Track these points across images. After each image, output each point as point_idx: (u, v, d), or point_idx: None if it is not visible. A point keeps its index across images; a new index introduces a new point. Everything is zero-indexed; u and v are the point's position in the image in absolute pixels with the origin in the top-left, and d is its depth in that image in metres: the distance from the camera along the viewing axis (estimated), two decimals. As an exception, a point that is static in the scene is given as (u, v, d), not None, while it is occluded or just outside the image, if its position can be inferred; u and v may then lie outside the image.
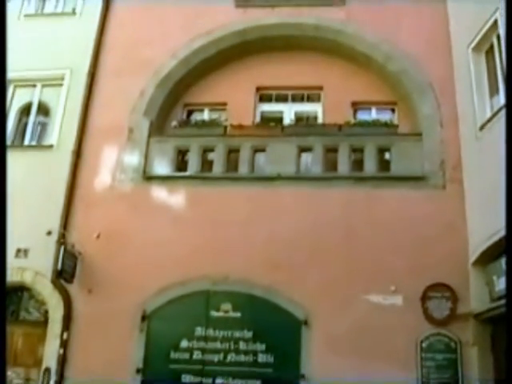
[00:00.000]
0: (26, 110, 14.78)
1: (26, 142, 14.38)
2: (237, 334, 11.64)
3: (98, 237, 12.65)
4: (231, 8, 14.66)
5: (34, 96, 14.78)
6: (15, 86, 14.81)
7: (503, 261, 9.77)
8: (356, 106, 14.08)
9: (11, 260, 11.90)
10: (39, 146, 14.24)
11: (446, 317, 11.07)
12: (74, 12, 15.40)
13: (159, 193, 13.12)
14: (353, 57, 14.01)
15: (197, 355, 11.62)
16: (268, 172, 12.93)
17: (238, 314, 11.79)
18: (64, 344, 11.91)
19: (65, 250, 12.04)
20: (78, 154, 13.51)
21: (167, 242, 12.35)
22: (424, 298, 11.22)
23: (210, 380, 11.44)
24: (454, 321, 11.06)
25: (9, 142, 13.90)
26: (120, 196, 13.07)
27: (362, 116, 14.04)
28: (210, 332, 11.73)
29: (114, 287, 12.13)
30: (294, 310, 11.58)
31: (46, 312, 12.46)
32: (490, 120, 10.85)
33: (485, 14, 11.21)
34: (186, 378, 11.51)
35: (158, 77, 14.16)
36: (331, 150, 12.93)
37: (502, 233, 9.29)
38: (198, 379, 11.47)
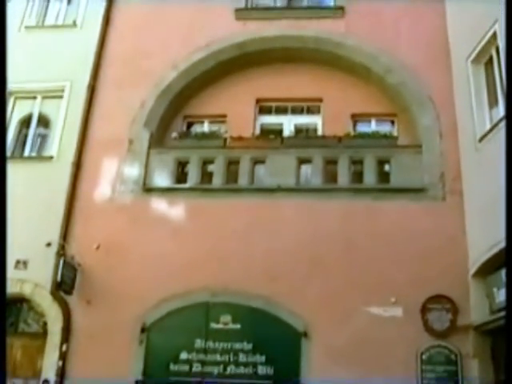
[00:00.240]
0: (26, 122, 14.80)
1: (26, 154, 14.39)
2: (236, 346, 11.60)
3: (98, 248, 12.63)
4: (231, 21, 14.74)
5: (34, 107, 14.81)
6: (16, 98, 14.85)
7: (503, 272, 9.77)
8: (356, 118, 14.10)
9: (10, 271, 11.88)
10: (39, 157, 14.24)
11: (446, 329, 11.04)
12: (74, 24, 15.46)
13: (159, 204, 13.10)
14: (352, 69, 14.06)
15: (196, 367, 11.56)
16: (268, 184, 12.93)
17: (238, 326, 11.75)
18: (63, 356, 11.86)
19: (64, 261, 12.02)
20: (77, 165, 13.52)
21: (167, 254, 12.33)
22: (424, 309, 11.20)
23: (210, 392, 11.44)
24: (455, 333, 11.02)
25: (9, 153, 13.92)
26: (120, 207, 13.06)
27: (362, 128, 14.07)
28: (210, 344, 11.68)
29: (114, 299, 12.10)
30: (294, 321, 11.54)
31: (45, 324, 12.40)
32: (489, 132, 10.87)
33: (484, 26, 11.26)
34: (185, 390, 11.51)
35: (158, 89, 14.19)
36: (331, 162, 12.95)
37: (502, 244, 9.28)
38: (197, 391, 11.47)
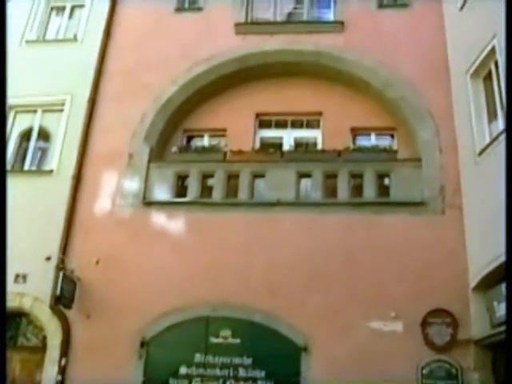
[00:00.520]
0: (26, 135, 14.83)
1: (26, 167, 14.41)
2: (236, 361, 11.54)
3: (98, 262, 12.61)
4: (231, 35, 14.81)
5: (34, 121, 14.85)
6: (16, 112, 14.90)
7: (503, 286, 9.75)
8: (355, 132, 14.12)
9: (10, 285, 11.86)
10: (39, 171, 14.27)
11: (447, 343, 10.99)
12: (75, 38, 15.53)
13: (159, 218, 13.10)
14: (352, 83, 14.10)
15: (196, 382, 11.50)
16: (267, 198, 12.92)
17: (238, 341, 11.70)
18: (62, 370, 11.81)
19: (64, 275, 11.98)
20: (77, 179, 13.53)
21: (166, 268, 12.32)
22: (424, 323, 11.16)
23: (209, 407, 11.39)
24: (455, 347, 10.97)
25: (9, 166, 13.96)
26: (120, 221, 13.06)
27: (362, 142, 14.10)
28: (210, 358, 11.62)
29: (113, 313, 12.06)
30: (294, 336, 11.50)
31: (45, 338, 12.35)
32: (488, 145, 10.89)
33: (482, 40, 11.32)
34: (185, 405, 11.47)
35: (159, 103, 14.23)
36: (331, 176, 12.95)
37: (502, 258, 9.28)
38: (197, 406, 11.42)
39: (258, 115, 14.60)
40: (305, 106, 14.33)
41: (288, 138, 14.37)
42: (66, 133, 14.17)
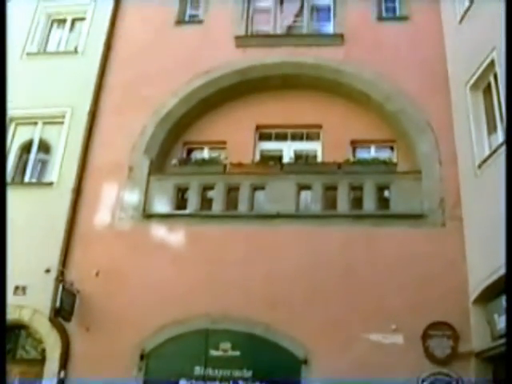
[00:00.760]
0: (26, 148, 14.87)
1: (27, 179, 14.43)
2: (236, 374, 11.49)
3: (97, 275, 12.59)
4: (231, 47, 14.87)
5: (35, 133, 14.88)
6: (17, 124, 14.94)
7: (504, 299, 9.71)
8: (355, 145, 14.14)
9: (9, 297, 11.84)
10: (39, 183, 14.29)
11: (448, 356, 10.95)
12: (76, 51, 15.61)
13: (159, 231, 13.08)
14: (352, 96, 14.14)
15: (196, 395, 11.51)
16: (267, 210, 12.92)
17: (238, 353, 11.66)
18: (61, 383, 11.76)
19: (63, 287, 11.97)
20: (77, 191, 13.53)
21: (166, 281, 12.29)
22: (425, 336, 11.12)
23: (209, 421, 11.33)
24: (456, 360, 10.93)
25: (9, 179, 13.97)
26: (119, 234, 13.05)
27: (361, 154, 14.11)
28: (209, 371, 11.57)
29: (113, 325, 12.03)
30: (294, 348, 11.46)
31: (44, 350, 12.31)
32: (488, 157, 10.92)
33: (482, 53, 11.37)
34: (184, 418, 11.42)
35: (159, 115, 14.25)
36: (330, 188, 12.95)
37: (503, 270, 9.27)
38: (197, 420, 11.37)
39: (258, 128, 14.61)
40: (305, 118, 14.35)
41: (288, 150, 14.39)
42: (66, 145, 14.20)
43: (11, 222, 11.41)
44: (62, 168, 13.92)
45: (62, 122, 14.57)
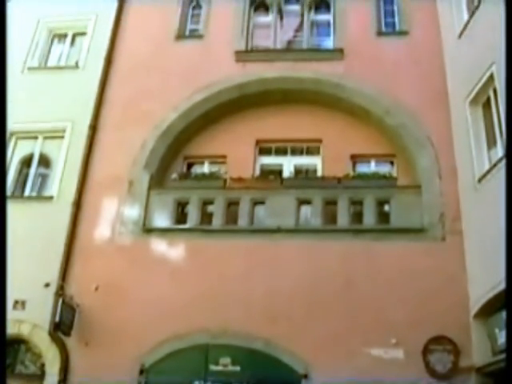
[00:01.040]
0: (27, 162, 14.89)
1: (27, 193, 14.44)
2: (236, 389, 11.48)
3: (97, 289, 12.56)
4: (231, 62, 14.92)
5: (35, 148, 14.91)
6: (17, 138, 14.97)
7: (505, 313, 9.68)
8: (355, 159, 14.16)
9: (8, 312, 11.73)
10: (39, 197, 14.30)
11: (448, 370, 10.90)
12: (76, 65, 15.67)
13: (159, 245, 13.07)
14: (352, 110, 14.17)
15: (195, 410, 11.44)
16: (267, 224, 12.91)
17: (238, 368, 11.60)
18: (60, 398, 11.74)
19: (63, 302, 11.94)
20: (77, 205, 13.53)
21: (166, 295, 12.27)
22: (425, 351, 11.08)
23: None
24: (457, 374, 10.89)
25: (9, 192, 14.00)
26: (119, 248, 13.04)
27: (361, 169, 14.11)
28: (209, 386, 11.56)
29: (112, 340, 11.99)
30: (294, 363, 11.41)
31: (43, 365, 12.26)
32: (488, 172, 10.92)
33: (481, 68, 11.42)
34: (184, 434, 11.33)
35: (159, 130, 14.27)
36: (331, 203, 12.96)
37: (503, 285, 9.25)
38: None
39: (258, 142, 14.63)
40: (305, 133, 14.37)
41: (288, 164, 14.40)
42: (66, 159, 14.22)
43: (11, 236, 11.38)
44: (62, 182, 13.93)
45: (62, 137, 14.59)
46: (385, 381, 10.86)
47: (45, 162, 14.86)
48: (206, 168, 14.74)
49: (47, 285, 12.52)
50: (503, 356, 9.56)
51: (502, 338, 10.07)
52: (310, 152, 14.59)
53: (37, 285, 12.53)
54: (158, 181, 14.10)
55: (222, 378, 11.55)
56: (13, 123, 13.96)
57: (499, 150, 10.80)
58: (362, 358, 11.20)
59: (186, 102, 14.50)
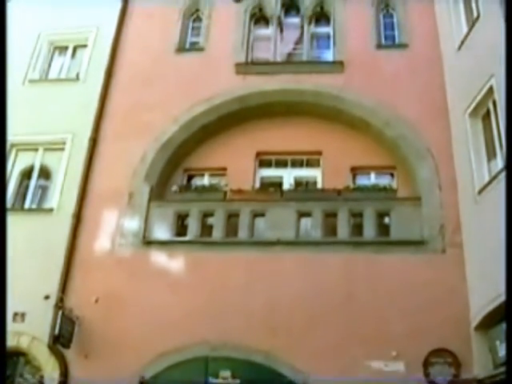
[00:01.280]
0: (27, 174, 14.90)
1: (27, 206, 14.44)
2: (236, 402, 11.42)
3: (97, 301, 12.52)
4: (231, 75, 14.96)
5: (35, 160, 14.91)
6: (17, 150, 14.98)
7: (505, 326, 9.66)
8: (355, 171, 14.17)
9: (8, 324, 11.65)
10: (39, 209, 14.30)
11: (449, 383, 10.86)
12: (77, 78, 15.72)
13: (159, 257, 13.05)
14: (352, 122, 14.19)
15: (195, 423, 11.39)
16: (267, 237, 12.90)
17: (238, 381, 11.52)
18: (59, 411, 11.68)
19: (63, 314, 11.91)
20: (78, 217, 13.52)
21: (166, 308, 12.23)
22: (426, 363, 11.03)
23: None
24: (458, 387, 10.88)
25: (9, 204, 13.99)
26: (119, 260, 13.01)
27: (361, 181, 14.13)
28: (209, 399, 11.50)
29: (112, 353, 11.94)
30: (294, 376, 11.36)
31: (42, 378, 12.19)
32: (488, 184, 10.93)
33: (480, 80, 11.45)
34: None
35: (159, 142, 14.29)
36: (331, 215, 12.95)
37: (503, 297, 9.22)
38: None
39: (258, 154, 14.65)
40: (305, 145, 14.39)
41: (288, 177, 14.40)
42: (66, 171, 14.23)
43: (11, 248, 11.37)
44: (62, 194, 13.92)
45: (62, 149, 14.61)
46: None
47: (45, 174, 14.86)
48: (206, 180, 14.75)
49: (47, 297, 12.49)
50: (504, 369, 9.52)
51: (502, 351, 10.03)
52: (310, 164, 14.60)
53: (36, 297, 12.49)
54: (158, 193, 14.10)
55: (222, 391, 11.53)
56: (13, 135, 13.98)
57: (499, 162, 10.81)
58: (363, 370, 11.15)
59: (186, 115, 14.53)
